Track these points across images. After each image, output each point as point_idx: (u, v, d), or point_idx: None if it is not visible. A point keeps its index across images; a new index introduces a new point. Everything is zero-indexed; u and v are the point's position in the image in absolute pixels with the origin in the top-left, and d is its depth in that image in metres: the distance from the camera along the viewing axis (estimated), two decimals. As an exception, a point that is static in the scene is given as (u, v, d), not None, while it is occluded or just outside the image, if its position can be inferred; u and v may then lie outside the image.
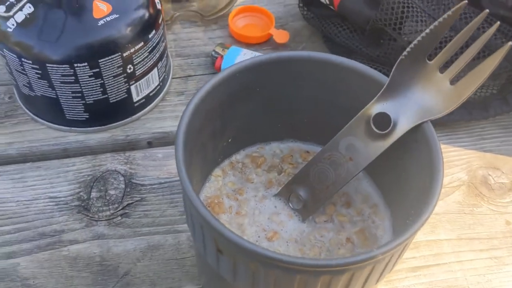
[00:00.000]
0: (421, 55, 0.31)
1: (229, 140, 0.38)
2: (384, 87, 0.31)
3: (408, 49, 0.31)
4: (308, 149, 0.39)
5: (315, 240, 0.34)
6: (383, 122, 0.31)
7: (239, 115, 0.36)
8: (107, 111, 0.48)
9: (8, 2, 0.43)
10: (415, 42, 0.30)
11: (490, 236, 0.44)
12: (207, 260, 0.30)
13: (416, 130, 0.31)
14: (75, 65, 0.43)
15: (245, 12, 0.59)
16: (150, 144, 0.49)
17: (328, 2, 0.55)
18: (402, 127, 0.31)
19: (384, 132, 0.31)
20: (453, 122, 0.51)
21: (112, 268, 0.41)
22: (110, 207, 0.44)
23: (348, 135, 0.32)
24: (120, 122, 0.49)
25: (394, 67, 0.31)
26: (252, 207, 0.36)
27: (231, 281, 0.29)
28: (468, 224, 0.44)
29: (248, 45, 0.57)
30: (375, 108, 0.31)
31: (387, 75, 0.52)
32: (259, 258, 0.25)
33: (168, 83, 0.53)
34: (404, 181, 0.33)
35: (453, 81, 0.31)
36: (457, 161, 0.49)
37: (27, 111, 0.49)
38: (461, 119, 0.49)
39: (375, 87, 0.32)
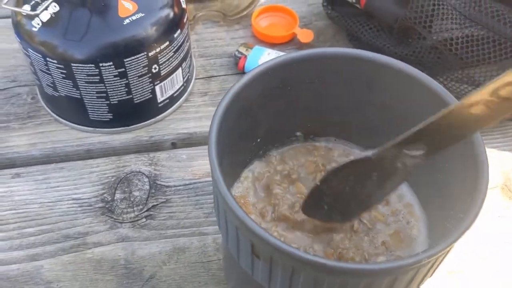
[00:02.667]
0: None
1: (259, 140, 0.37)
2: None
3: None
4: (347, 150, 0.38)
5: (349, 245, 0.33)
6: None
7: (270, 114, 0.35)
8: (132, 111, 0.47)
9: (33, 1, 0.42)
10: None
11: (526, 240, 0.42)
12: (240, 263, 0.29)
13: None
14: (100, 64, 0.42)
15: (268, 12, 0.58)
16: (174, 145, 0.48)
17: (354, 0, 0.54)
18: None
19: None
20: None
21: (137, 271, 0.40)
22: (135, 208, 0.43)
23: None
24: (144, 122, 0.48)
25: None
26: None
27: (266, 286, 0.28)
28: (502, 228, 0.43)
29: (272, 45, 0.56)
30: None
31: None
32: (303, 263, 0.24)
33: (191, 83, 0.52)
34: (442, 182, 0.32)
35: None
36: (490, 162, 0.47)
37: (50, 111, 0.49)
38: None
39: (410, 84, 0.31)
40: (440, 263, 0.28)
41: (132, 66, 0.43)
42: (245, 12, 0.58)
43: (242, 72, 0.53)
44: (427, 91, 0.31)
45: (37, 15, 0.41)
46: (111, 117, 0.47)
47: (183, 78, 0.49)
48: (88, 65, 0.42)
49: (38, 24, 0.42)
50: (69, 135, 0.48)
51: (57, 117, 0.49)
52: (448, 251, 0.27)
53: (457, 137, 0.28)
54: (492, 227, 0.43)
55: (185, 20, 0.47)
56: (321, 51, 0.33)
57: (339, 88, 0.35)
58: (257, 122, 0.35)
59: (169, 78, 0.47)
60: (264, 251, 0.26)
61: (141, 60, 0.43)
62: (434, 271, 0.28)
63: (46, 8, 0.42)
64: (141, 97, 0.46)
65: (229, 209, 0.26)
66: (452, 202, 0.30)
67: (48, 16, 0.42)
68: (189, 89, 0.51)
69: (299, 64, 0.33)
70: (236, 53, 0.54)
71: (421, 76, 0.31)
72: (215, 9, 0.59)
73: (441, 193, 0.32)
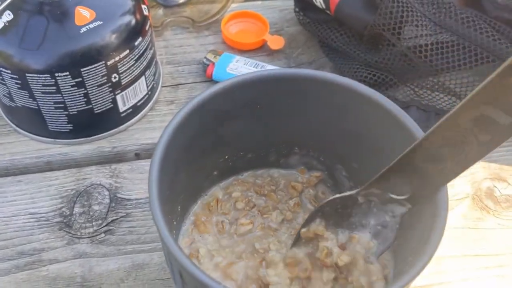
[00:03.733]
0: None
1: (226, 157, 0.36)
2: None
3: None
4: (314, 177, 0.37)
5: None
6: None
7: (237, 132, 0.34)
8: (92, 122, 0.45)
9: (-15, 9, 0.41)
10: None
11: (496, 252, 0.41)
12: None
13: None
14: (56, 74, 0.41)
15: (238, 18, 0.57)
16: (138, 156, 0.47)
17: (324, 7, 0.52)
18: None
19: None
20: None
21: (94, 289, 0.38)
22: (94, 223, 0.42)
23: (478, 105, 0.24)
24: (107, 133, 0.47)
25: None
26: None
27: None
28: (473, 239, 0.42)
29: (242, 51, 0.55)
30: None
31: (386, 82, 0.50)
32: None
33: (157, 91, 0.50)
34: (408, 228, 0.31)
35: None
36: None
37: (9, 122, 0.47)
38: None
39: (383, 114, 0.30)
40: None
41: (90, 76, 0.42)
42: (215, 18, 0.57)
43: (210, 80, 0.52)
44: (397, 123, 0.30)
45: (-6, 18, 0.40)
46: (71, 127, 0.45)
47: (147, 87, 0.48)
48: (44, 76, 0.40)
49: (-9, 32, 0.40)
50: (28, 147, 0.46)
51: (16, 127, 0.47)
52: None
53: (436, 182, 0.27)
54: (463, 239, 0.42)
55: (147, 27, 0.45)
56: (290, 72, 0.33)
57: (312, 111, 0.34)
58: (222, 139, 0.34)
59: (131, 87, 0.45)
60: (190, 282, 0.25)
61: (100, 69, 0.42)
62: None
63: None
64: (101, 107, 0.45)
65: (160, 234, 0.25)
66: (413, 248, 0.29)
67: (2, 25, 0.40)
68: (154, 98, 0.50)
69: (273, 83, 0.32)
70: (204, 60, 0.52)
71: (392, 107, 0.30)
72: (185, 15, 0.57)
73: (405, 239, 0.31)
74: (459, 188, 0.45)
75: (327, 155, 0.36)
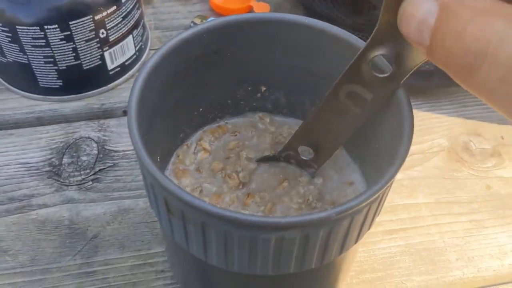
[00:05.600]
0: None
1: (200, 110, 0.37)
2: (375, 29, 0.26)
3: None
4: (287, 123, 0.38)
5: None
6: (382, 67, 0.29)
7: (209, 82, 0.34)
8: (81, 78, 0.47)
9: (-22, -34, 0.42)
10: None
11: (470, 200, 0.43)
12: (162, 224, 0.29)
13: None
14: (45, 27, 0.42)
15: (226, -14, 0.59)
16: (125, 113, 0.48)
17: (308, -28, 0.54)
18: (404, 68, 0.26)
19: (385, 75, 0.29)
20: (435, 89, 0.50)
21: (80, 231, 0.40)
22: (82, 172, 0.43)
23: (346, 83, 0.28)
24: (96, 90, 0.48)
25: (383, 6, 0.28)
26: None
27: (185, 248, 0.27)
28: (447, 188, 0.43)
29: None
30: (370, 53, 0.27)
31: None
32: (207, 215, 0.24)
33: (145, 53, 0.52)
34: (375, 141, 0.32)
35: None
36: (438, 127, 0.48)
37: (1, 80, 0.49)
38: (441, 85, 0.48)
39: (353, 53, 0.31)
40: (375, 213, 0.27)
41: (78, 30, 0.43)
42: (202, -14, 0.59)
43: (197, 43, 0.53)
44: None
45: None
46: (60, 83, 0.47)
47: (135, 47, 0.49)
48: (33, 28, 0.42)
49: (-17, -13, 0.42)
50: (19, 103, 0.48)
51: (8, 85, 0.48)
52: (380, 199, 0.27)
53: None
54: (438, 188, 0.43)
55: (134, -14, 0.47)
56: (257, 16, 0.32)
57: (280, 56, 0.34)
58: (194, 89, 0.34)
59: (119, 45, 0.47)
60: (175, 206, 0.25)
61: (87, 23, 0.43)
62: (371, 222, 0.28)
63: (-10, -28, 0.42)
64: (90, 63, 0.46)
65: (143, 166, 0.25)
66: (382, 151, 0.30)
67: (-7, -21, 0.42)
68: (142, 59, 0.51)
69: (236, 29, 0.32)
70: (191, 24, 0.54)
71: (361, 44, 0.31)
72: (173, -17, 0.59)
73: (375, 153, 0.32)
74: (436, 142, 0.46)
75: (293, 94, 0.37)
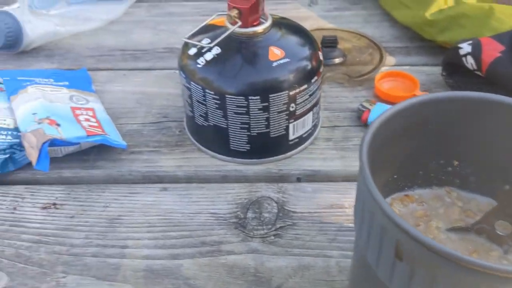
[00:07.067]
0: None
1: (395, 177, 0.39)
2: None
3: None
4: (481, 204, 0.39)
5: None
6: None
7: (408, 152, 0.37)
8: (267, 145, 0.53)
9: (198, 46, 0.51)
10: None
11: None
12: (378, 272, 0.30)
13: None
14: (249, 97, 0.49)
15: (390, 76, 0.64)
16: (299, 180, 0.53)
17: (475, 67, 0.58)
18: None
19: None
20: None
21: (265, 280, 0.43)
22: (264, 227, 0.47)
23: None
24: (276, 157, 0.54)
25: None
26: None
27: None
28: None
29: (393, 104, 0.60)
30: None
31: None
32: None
33: (317, 129, 0.57)
34: None
35: None
36: None
37: (194, 142, 0.56)
38: None
39: None
40: None
41: (274, 102, 0.50)
42: (368, 76, 0.64)
43: (365, 125, 0.58)
44: None
45: (210, 49, 0.50)
46: (248, 147, 0.53)
47: (312, 122, 0.55)
48: (239, 97, 0.49)
49: (202, 62, 0.50)
50: (209, 162, 0.54)
51: (200, 146, 0.56)
52: None
53: None
54: None
55: (321, 69, 0.53)
56: (464, 94, 0.35)
57: (476, 132, 0.36)
58: (395, 159, 0.37)
59: (301, 119, 0.53)
60: (410, 251, 0.26)
61: (283, 97, 0.50)
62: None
63: (210, 50, 0.51)
64: (276, 132, 0.52)
65: (375, 206, 0.28)
66: None
67: (211, 56, 0.50)
68: (315, 134, 0.57)
69: (443, 104, 0.35)
70: (360, 107, 0.59)
71: None
72: (341, 72, 0.65)
73: None
74: None
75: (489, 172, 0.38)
